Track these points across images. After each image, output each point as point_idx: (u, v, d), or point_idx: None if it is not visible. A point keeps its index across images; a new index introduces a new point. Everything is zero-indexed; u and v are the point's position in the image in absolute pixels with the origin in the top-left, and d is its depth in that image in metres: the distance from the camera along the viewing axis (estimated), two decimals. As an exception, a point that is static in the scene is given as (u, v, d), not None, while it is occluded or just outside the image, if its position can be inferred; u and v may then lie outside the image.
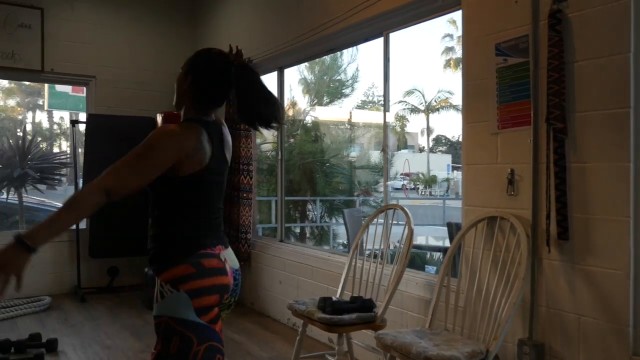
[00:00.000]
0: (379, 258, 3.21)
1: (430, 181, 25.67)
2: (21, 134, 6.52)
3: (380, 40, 3.56)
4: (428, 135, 30.23)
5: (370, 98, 18.90)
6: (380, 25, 3.49)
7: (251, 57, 4.85)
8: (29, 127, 20.87)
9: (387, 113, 3.70)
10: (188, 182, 1.69)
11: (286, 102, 8.05)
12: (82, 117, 5.75)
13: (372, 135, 12.16)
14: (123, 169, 1.58)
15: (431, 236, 8.44)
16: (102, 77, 5.62)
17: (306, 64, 7.26)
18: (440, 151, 32.38)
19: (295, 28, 4.29)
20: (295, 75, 6.79)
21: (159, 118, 5.01)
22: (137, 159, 1.60)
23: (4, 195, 6.27)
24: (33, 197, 6.59)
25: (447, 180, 25.53)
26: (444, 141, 32.93)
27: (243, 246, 4.88)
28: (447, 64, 26.87)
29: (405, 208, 3.10)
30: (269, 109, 1.74)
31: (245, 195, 4.90)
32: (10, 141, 6.44)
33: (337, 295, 3.23)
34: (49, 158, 6.74)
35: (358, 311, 2.84)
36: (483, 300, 2.57)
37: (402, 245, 3.00)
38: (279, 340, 4.01)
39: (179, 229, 1.72)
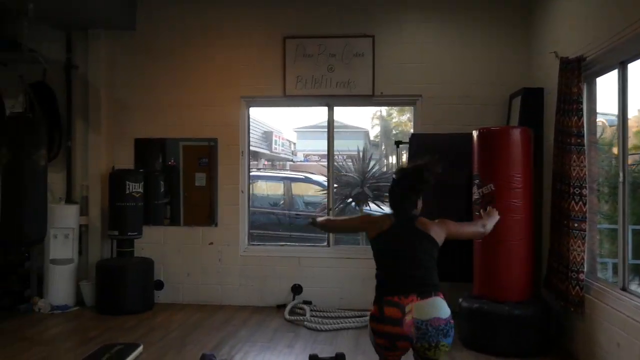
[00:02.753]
0: None
1: None
2: (362, 153, 7.06)
3: None
4: None
5: None
6: None
7: (584, 54, 3.93)
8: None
9: None
10: (372, 246, 2.73)
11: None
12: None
13: None
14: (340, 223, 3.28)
15: None
16: (428, 95, 5.54)
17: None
18: None
19: (635, 7, 3.21)
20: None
21: (475, 135, 4.57)
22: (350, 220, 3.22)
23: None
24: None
25: None
26: None
27: (574, 288, 3.96)
28: None
29: None
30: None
31: (576, 225, 3.97)
32: (355, 162, 7.08)
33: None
34: (387, 176, 7.09)
35: None
36: None
37: None
38: None
39: (376, 278, 2.62)
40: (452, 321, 2.41)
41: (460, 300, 4.49)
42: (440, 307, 2.40)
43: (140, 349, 2.63)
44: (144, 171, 5.74)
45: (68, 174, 5.81)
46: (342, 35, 5.60)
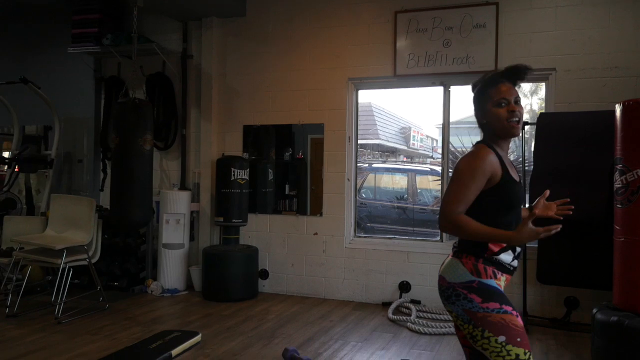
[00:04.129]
0: None
1: None
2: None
3: None
4: None
5: None
6: None
7: None
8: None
9: None
10: None
11: None
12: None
13: None
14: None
15: None
16: (563, 67, 4.70)
17: None
18: None
19: None
20: None
21: (618, 109, 3.70)
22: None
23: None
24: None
25: None
26: None
27: None
28: None
29: None
30: None
31: None
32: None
33: None
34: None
35: None
36: None
37: None
38: None
39: None
40: (461, 290, 1.90)
41: (594, 310, 3.67)
42: (448, 268, 1.97)
43: (198, 337, 2.46)
44: (254, 158, 5.69)
45: (182, 161, 5.96)
46: (461, 5, 4.98)
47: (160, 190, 5.71)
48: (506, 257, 1.95)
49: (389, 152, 13.94)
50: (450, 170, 5.34)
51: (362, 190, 8.79)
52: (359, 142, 5.71)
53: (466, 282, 1.90)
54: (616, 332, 3.41)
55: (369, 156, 12.09)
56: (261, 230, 5.67)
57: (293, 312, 4.87)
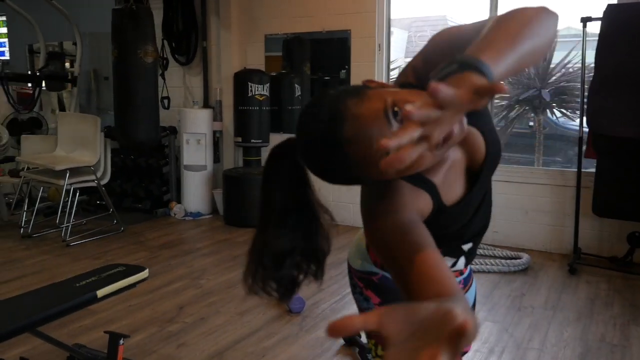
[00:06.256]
0: None
1: None
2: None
3: None
4: None
5: None
6: None
7: None
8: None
9: None
10: None
11: None
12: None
13: None
14: None
15: None
16: (647, -55, 3.67)
17: None
18: None
19: None
20: None
21: None
22: None
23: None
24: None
25: None
26: None
27: None
28: None
29: None
30: None
31: None
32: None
33: None
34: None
35: None
36: None
37: None
38: None
39: None
40: (357, 281, 1.29)
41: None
42: (353, 246, 1.35)
43: (143, 274, 2.13)
44: (284, 72, 5.13)
45: (204, 76, 5.53)
46: None
47: (179, 109, 5.36)
48: None
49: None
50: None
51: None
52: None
53: (365, 273, 1.28)
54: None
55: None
56: (286, 152, 5.21)
57: (312, 240, 4.48)
